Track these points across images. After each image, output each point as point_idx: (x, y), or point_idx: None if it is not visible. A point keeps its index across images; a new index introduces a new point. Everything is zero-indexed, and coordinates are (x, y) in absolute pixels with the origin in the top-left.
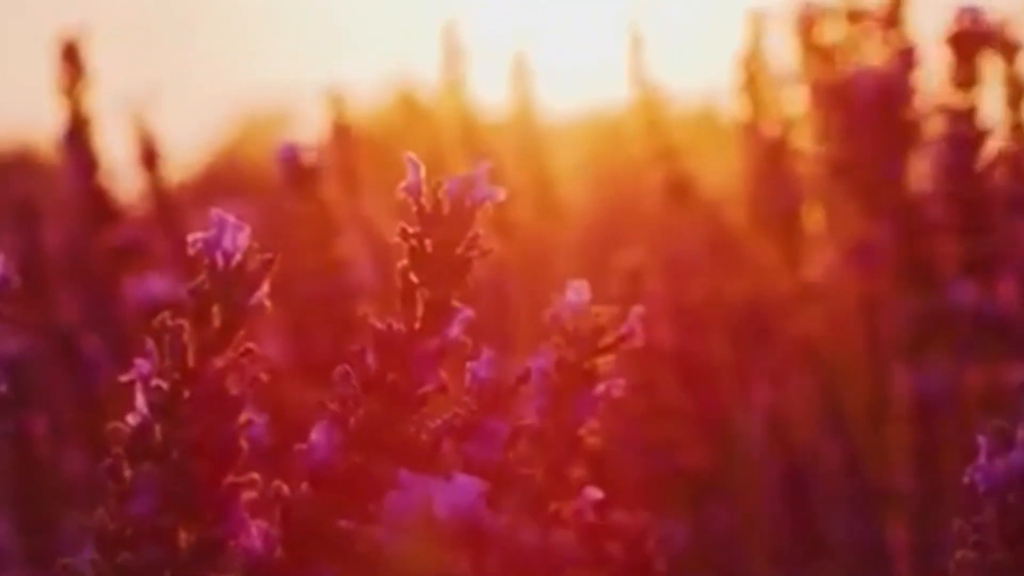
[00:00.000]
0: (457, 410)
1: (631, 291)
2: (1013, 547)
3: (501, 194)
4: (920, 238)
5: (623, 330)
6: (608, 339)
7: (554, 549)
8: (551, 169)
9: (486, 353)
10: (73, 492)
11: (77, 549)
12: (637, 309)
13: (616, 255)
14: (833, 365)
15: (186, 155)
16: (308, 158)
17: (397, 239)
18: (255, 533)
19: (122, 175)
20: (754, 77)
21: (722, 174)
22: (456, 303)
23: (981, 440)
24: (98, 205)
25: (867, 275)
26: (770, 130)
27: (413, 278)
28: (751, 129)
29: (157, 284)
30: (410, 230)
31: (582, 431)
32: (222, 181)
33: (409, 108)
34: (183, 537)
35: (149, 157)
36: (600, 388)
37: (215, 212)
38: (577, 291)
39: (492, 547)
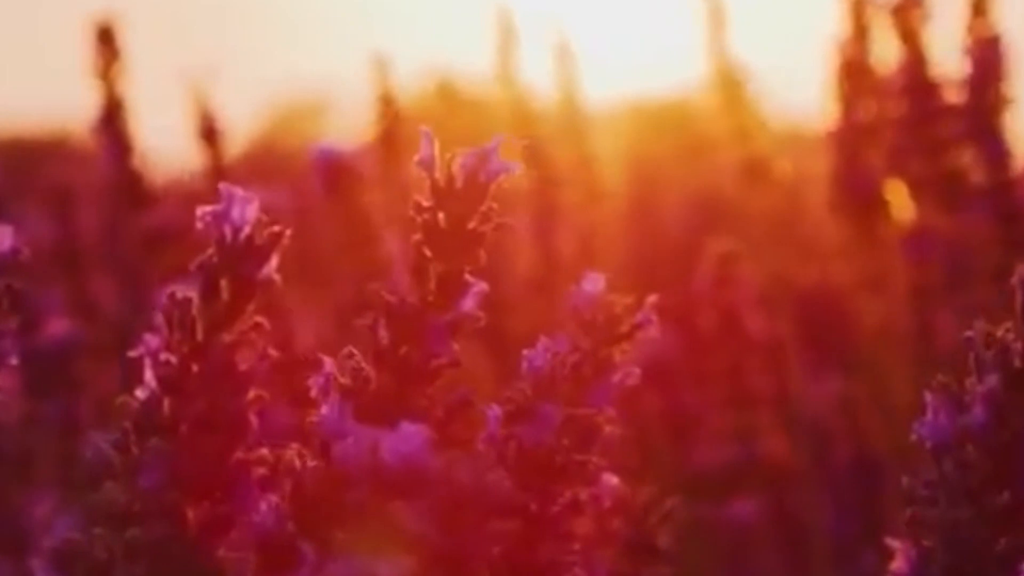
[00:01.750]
0: (511, 395)
1: (722, 275)
2: (957, 504)
3: (515, 167)
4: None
5: (638, 319)
6: (624, 327)
7: (492, 491)
8: (598, 154)
9: (542, 341)
10: None
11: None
12: (652, 299)
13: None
14: (895, 352)
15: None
16: (346, 160)
17: (410, 212)
18: (265, 508)
19: (171, 154)
20: (851, 63)
21: (796, 158)
22: (469, 277)
23: (928, 397)
24: (133, 188)
25: (937, 262)
26: (856, 115)
27: (426, 252)
28: (839, 113)
29: None
30: (424, 203)
31: (600, 418)
32: (261, 167)
33: (449, 94)
34: (191, 512)
35: (209, 132)
36: (616, 376)
37: (224, 185)
38: (593, 281)
39: (437, 492)
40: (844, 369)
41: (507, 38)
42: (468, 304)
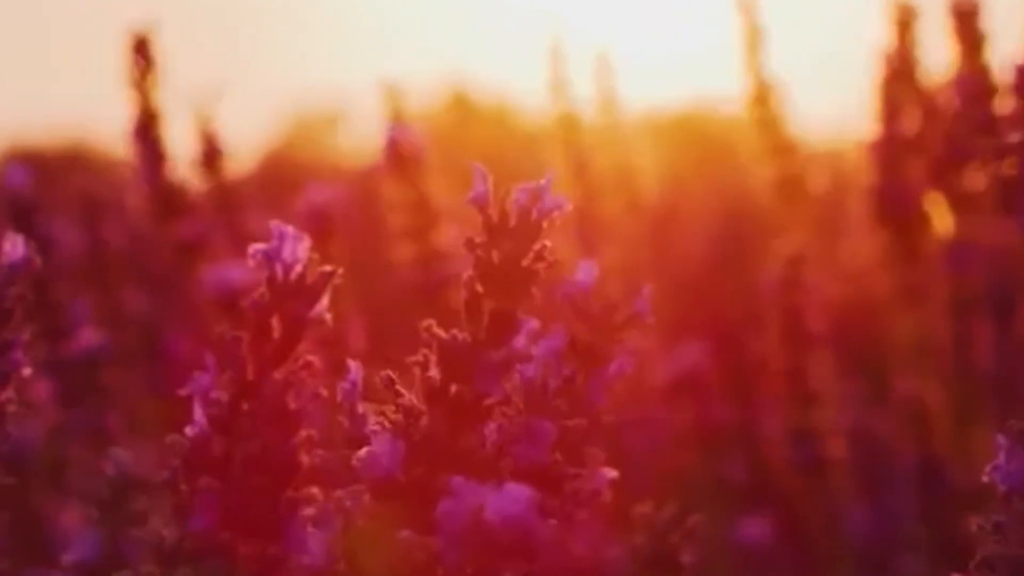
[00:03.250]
0: (505, 410)
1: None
2: None
3: (568, 204)
4: None
5: (633, 308)
6: (619, 317)
7: (603, 560)
8: (636, 165)
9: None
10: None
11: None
12: (647, 289)
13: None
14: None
15: (243, 152)
16: (413, 144)
17: (463, 249)
18: (316, 545)
19: (185, 170)
20: (895, 73)
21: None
22: (521, 315)
23: (1000, 440)
24: (167, 198)
25: (970, 271)
26: (891, 126)
27: (479, 288)
28: (873, 125)
29: (234, 272)
30: (476, 240)
31: (598, 410)
32: (278, 179)
33: (464, 108)
34: (242, 550)
35: (211, 154)
36: (613, 367)
37: (275, 224)
38: (586, 271)
39: (542, 554)
40: (877, 380)
41: (557, 55)
42: (520, 342)
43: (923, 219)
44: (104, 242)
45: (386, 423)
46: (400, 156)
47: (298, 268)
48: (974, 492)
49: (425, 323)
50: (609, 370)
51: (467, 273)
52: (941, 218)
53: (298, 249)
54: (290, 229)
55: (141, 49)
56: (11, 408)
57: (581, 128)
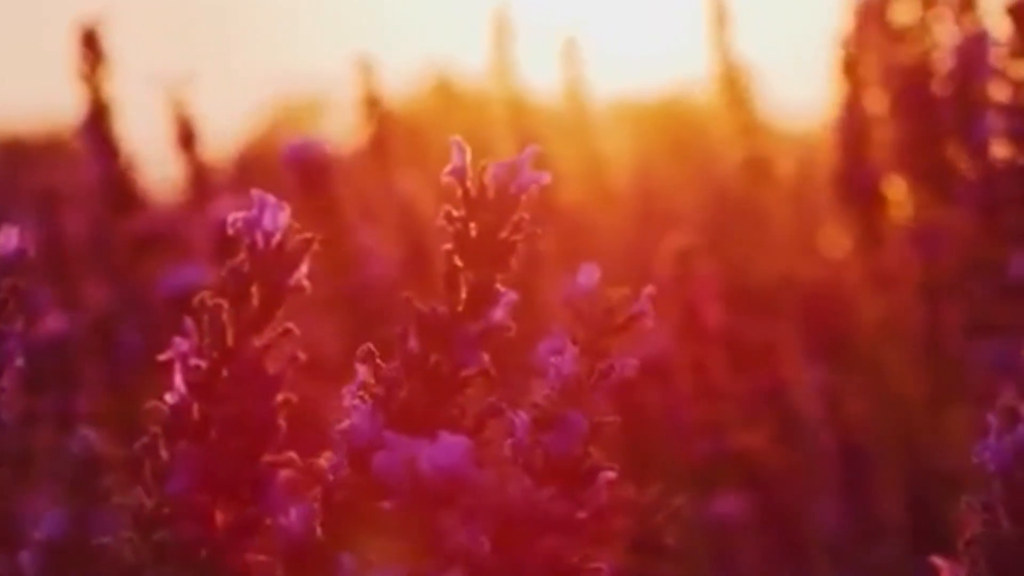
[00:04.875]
0: (537, 403)
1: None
2: (1021, 523)
3: (546, 178)
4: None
5: (634, 310)
6: (619, 319)
7: (540, 507)
8: (601, 152)
9: (570, 348)
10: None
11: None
12: (648, 289)
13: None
14: (898, 345)
15: (219, 141)
16: (320, 155)
17: (442, 222)
18: (294, 514)
19: (154, 159)
20: (852, 59)
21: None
22: (500, 287)
23: (990, 418)
24: (119, 191)
25: (935, 255)
26: (854, 111)
27: (457, 261)
28: (836, 109)
29: (190, 272)
30: (455, 213)
31: (596, 411)
32: (255, 168)
33: (445, 93)
34: (220, 516)
35: (186, 138)
36: (613, 368)
37: (255, 191)
38: (587, 273)
39: (480, 504)
40: (845, 364)
41: (502, 34)
42: (499, 314)
43: (885, 203)
44: (63, 233)
45: (365, 394)
46: (307, 168)
47: (278, 236)
48: (947, 475)
49: (404, 295)
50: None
51: (446, 246)
52: (903, 202)
53: (278, 217)
54: (270, 197)
55: (90, 42)
56: (4, 398)
57: (528, 112)
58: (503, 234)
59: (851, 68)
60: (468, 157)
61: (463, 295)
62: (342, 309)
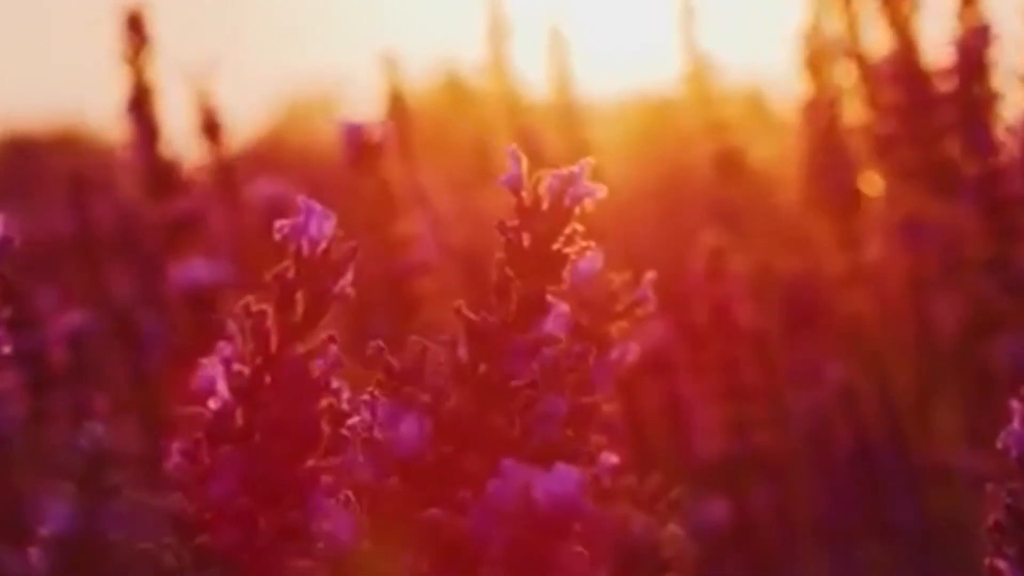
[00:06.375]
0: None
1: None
2: None
3: (602, 191)
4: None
5: (635, 296)
6: (621, 305)
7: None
8: (590, 147)
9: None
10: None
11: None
12: (649, 275)
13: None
14: (885, 343)
15: (238, 132)
16: (372, 135)
17: (496, 232)
18: (341, 521)
19: (181, 147)
20: (816, 53)
21: (774, 151)
22: (551, 298)
23: (1015, 405)
24: (161, 175)
25: (920, 253)
26: (828, 106)
27: (509, 271)
28: (809, 105)
29: (200, 268)
30: (508, 223)
31: (598, 397)
32: (273, 158)
33: (455, 88)
34: (262, 521)
35: (211, 128)
36: (615, 354)
37: (302, 199)
38: (590, 260)
39: (591, 536)
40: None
41: (498, 29)
42: (549, 325)
43: (858, 197)
44: (92, 223)
45: (415, 403)
46: (360, 149)
47: (323, 244)
48: (936, 471)
49: (455, 304)
50: (612, 356)
51: (498, 255)
52: (875, 197)
53: (324, 225)
54: (317, 205)
55: (135, 25)
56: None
57: (524, 107)
58: (556, 245)
59: (816, 60)
60: (525, 166)
61: (513, 305)
62: (386, 293)
